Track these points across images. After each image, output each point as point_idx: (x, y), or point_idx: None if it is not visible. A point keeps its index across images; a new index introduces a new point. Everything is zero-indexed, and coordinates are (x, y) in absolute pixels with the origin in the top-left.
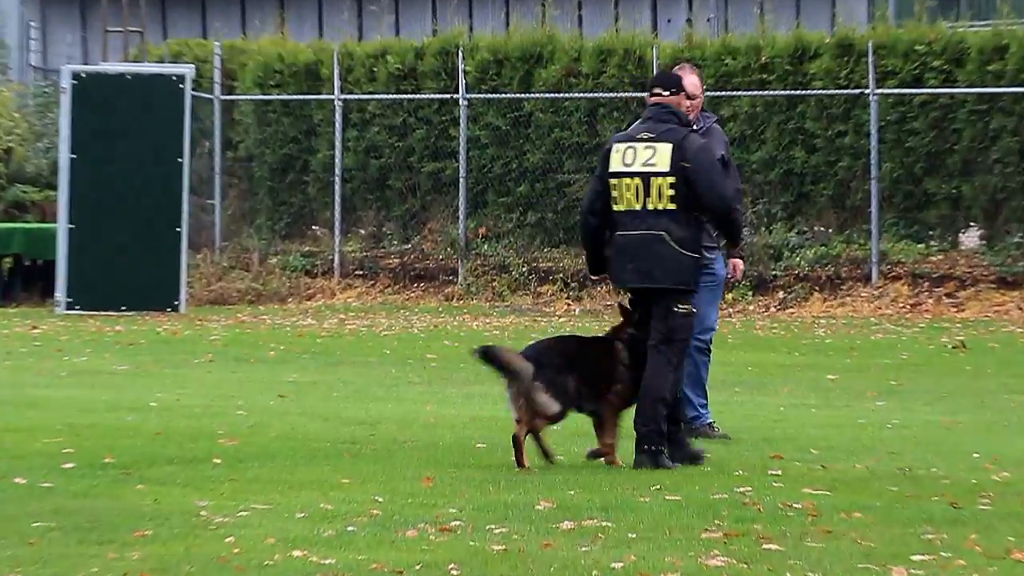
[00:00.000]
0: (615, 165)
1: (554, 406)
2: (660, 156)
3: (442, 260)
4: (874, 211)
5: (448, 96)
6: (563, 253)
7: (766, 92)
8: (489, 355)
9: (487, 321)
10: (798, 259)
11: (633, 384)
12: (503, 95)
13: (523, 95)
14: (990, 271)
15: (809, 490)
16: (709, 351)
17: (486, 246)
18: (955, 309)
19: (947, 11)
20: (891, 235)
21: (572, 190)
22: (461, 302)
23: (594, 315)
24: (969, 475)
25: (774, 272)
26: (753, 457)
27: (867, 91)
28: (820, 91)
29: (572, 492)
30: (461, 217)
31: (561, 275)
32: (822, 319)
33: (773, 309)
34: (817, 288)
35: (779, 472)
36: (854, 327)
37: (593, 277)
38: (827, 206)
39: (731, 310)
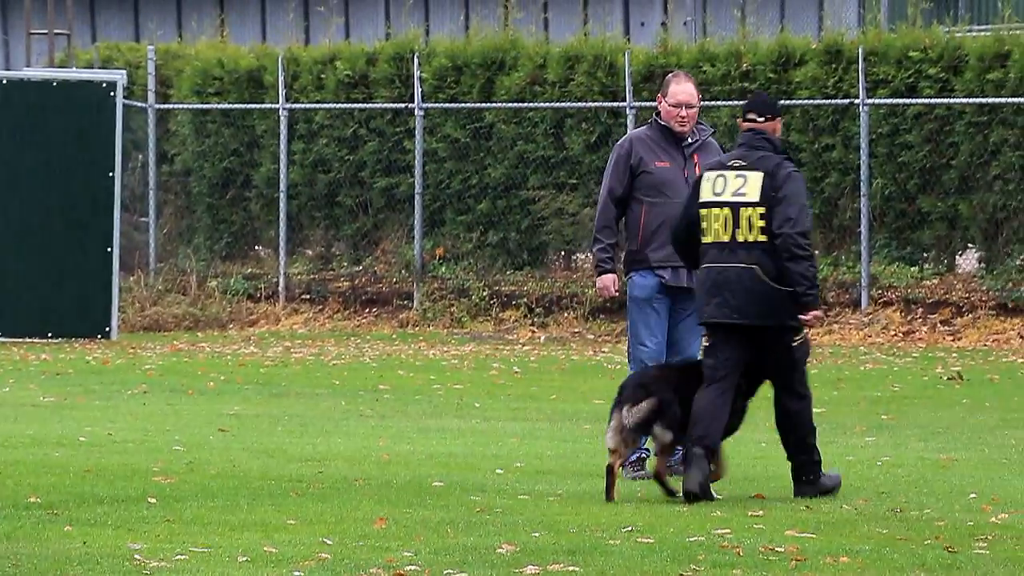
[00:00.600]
0: (705, 195)
1: (668, 436)
2: (751, 185)
3: (396, 283)
4: (864, 231)
5: (402, 105)
6: (527, 276)
7: (744, 103)
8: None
9: (445, 349)
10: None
11: (733, 412)
12: (462, 105)
13: (484, 105)
14: (989, 296)
15: (793, 532)
16: None
17: (444, 268)
18: (951, 337)
19: (944, 14)
20: (882, 257)
21: (537, 208)
22: (416, 329)
23: (560, 343)
24: (965, 517)
25: None
26: (732, 497)
27: (857, 101)
28: (806, 101)
29: (537, 534)
30: (416, 237)
31: (525, 300)
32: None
33: None
34: None
35: (760, 513)
36: (842, 356)
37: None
38: (813, 226)
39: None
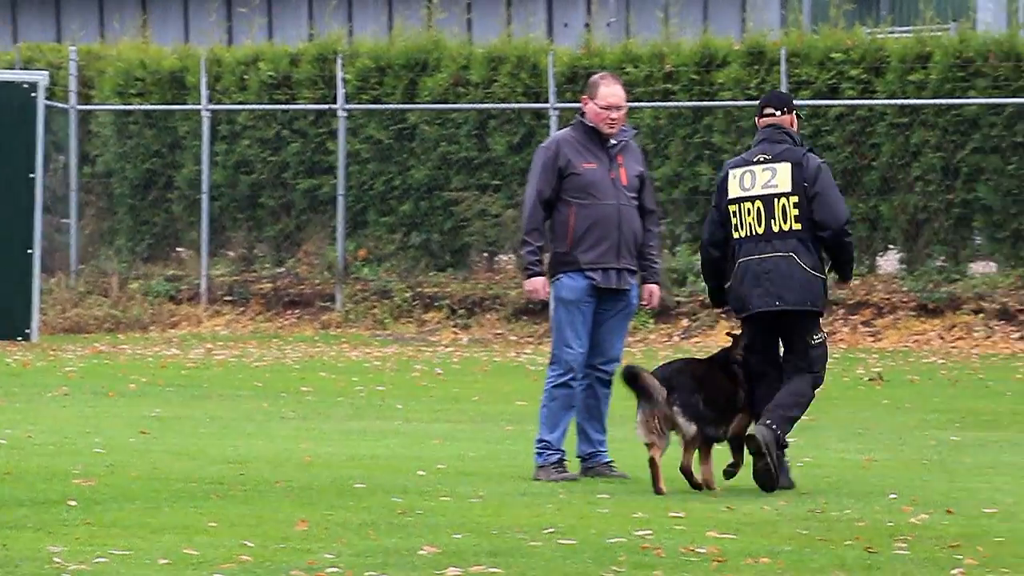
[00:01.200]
0: (733, 191)
1: (691, 428)
2: (781, 176)
3: (318, 285)
4: None
5: (326, 107)
6: (450, 277)
7: (670, 103)
8: (632, 378)
9: (367, 351)
10: (703, 284)
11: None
12: (385, 106)
13: (407, 106)
14: (910, 298)
15: (714, 533)
16: (611, 383)
17: (366, 270)
18: (872, 338)
19: (866, 16)
20: None
21: (460, 209)
22: (339, 330)
23: (483, 344)
24: (885, 517)
25: (678, 298)
26: (654, 498)
27: None
28: (729, 102)
29: (459, 536)
30: (339, 238)
31: (448, 301)
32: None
33: (677, 338)
34: (724, 316)
35: (682, 514)
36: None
37: (716, 309)
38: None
39: (631, 339)
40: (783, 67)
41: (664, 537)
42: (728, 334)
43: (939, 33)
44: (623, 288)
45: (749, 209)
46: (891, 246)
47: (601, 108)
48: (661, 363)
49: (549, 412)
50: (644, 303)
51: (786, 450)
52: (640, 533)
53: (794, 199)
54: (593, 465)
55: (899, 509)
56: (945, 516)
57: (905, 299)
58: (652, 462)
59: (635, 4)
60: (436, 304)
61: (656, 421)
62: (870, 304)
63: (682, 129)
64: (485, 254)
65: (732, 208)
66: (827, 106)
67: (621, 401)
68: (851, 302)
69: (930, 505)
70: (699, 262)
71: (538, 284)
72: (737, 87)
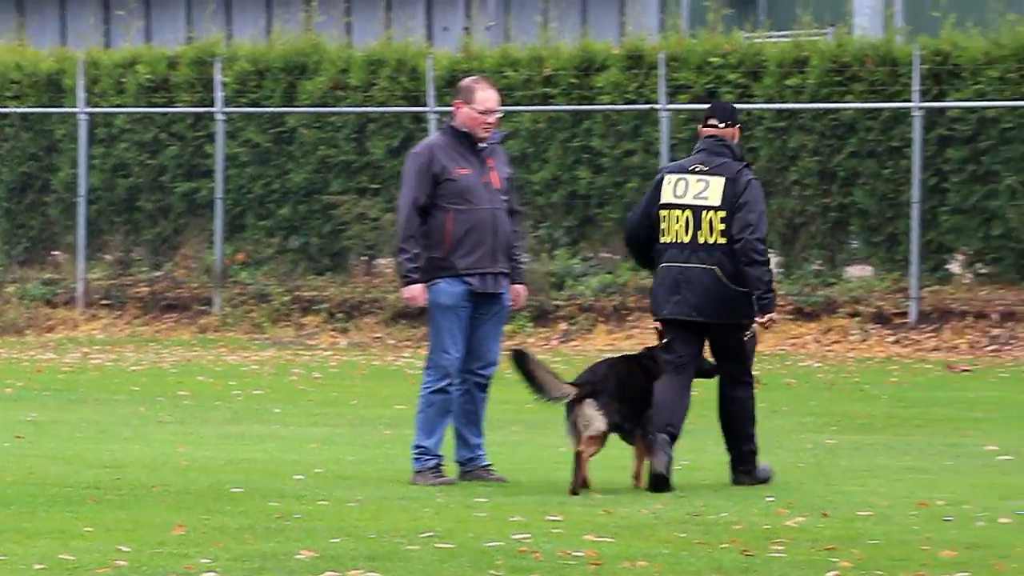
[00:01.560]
0: (666, 196)
1: (602, 424)
2: (712, 190)
3: (196, 289)
4: None
5: (204, 110)
6: (328, 281)
7: (549, 107)
8: (522, 361)
9: (245, 355)
10: (582, 288)
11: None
12: (264, 109)
13: (286, 109)
14: (786, 301)
15: (591, 537)
16: (488, 387)
17: (244, 273)
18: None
19: (744, 20)
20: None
21: (339, 212)
22: (217, 334)
23: (361, 348)
24: (761, 520)
25: (556, 302)
26: (532, 501)
27: (658, 106)
28: (607, 106)
29: (336, 540)
30: (217, 242)
31: (326, 305)
32: (607, 352)
33: (555, 341)
34: (602, 319)
35: (559, 517)
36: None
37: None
38: (614, 231)
39: (510, 343)
40: (662, 71)
41: (542, 541)
42: (657, 329)
43: (816, 38)
44: (498, 292)
45: (678, 217)
46: (768, 250)
47: (480, 112)
48: (588, 367)
49: (426, 417)
50: (511, 304)
51: (755, 456)
52: (518, 537)
53: (722, 214)
54: (472, 469)
55: (775, 512)
56: (821, 519)
57: (782, 303)
58: (578, 456)
59: (514, 8)
60: (314, 308)
61: (579, 423)
62: None
63: (561, 133)
64: (364, 258)
65: (663, 213)
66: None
67: (498, 405)
68: None
69: (806, 508)
70: (576, 266)
71: (416, 291)
72: (616, 91)
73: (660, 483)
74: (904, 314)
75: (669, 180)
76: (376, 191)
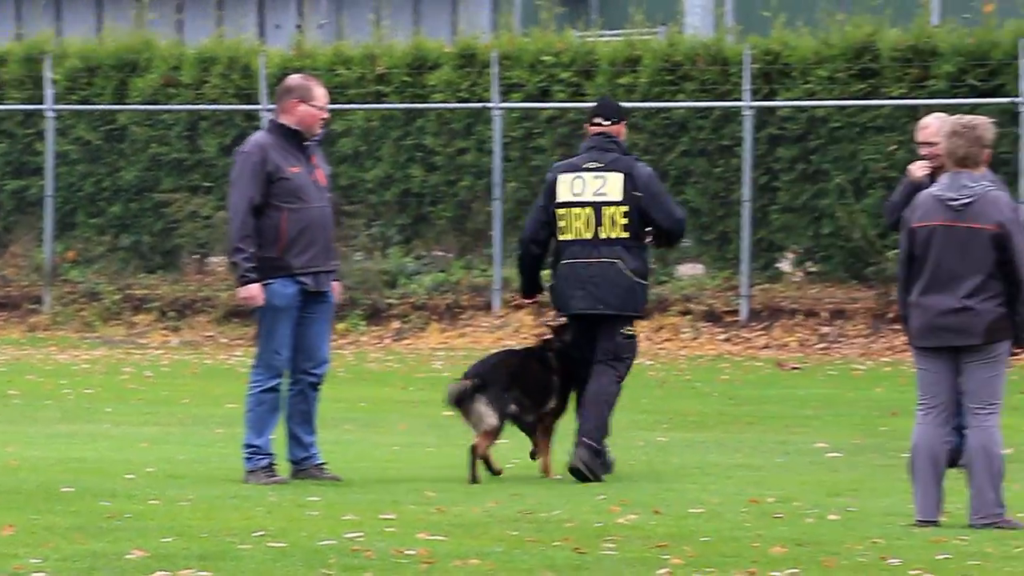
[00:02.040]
0: (563, 195)
1: (494, 420)
2: (611, 186)
3: (26, 287)
4: (497, 234)
5: (34, 107)
6: (160, 279)
7: (382, 105)
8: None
9: (75, 354)
10: (415, 286)
11: (563, 394)
12: (95, 107)
13: (117, 106)
14: None
15: (424, 535)
16: (320, 386)
17: (75, 271)
18: None
19: (576, 19)
20: (514, 260)
21: (171, 210)
22: (47, 333)
23: (193, 346)
24: (594, 518)
25: (389, 300)
26: (365, 500)
27: (490, 105)
28: (440, 104)
29: (168, 540)
30: (47, 240)
31: (158, 303)
32: (440, 351)
33: (388, 340)
34: (435, 317)
35: (392, 516)
36: (474, 359)
37: (526, 300)
38: (447, 229)
39: (343, 341)
40: (494, 69)
41: (375, 539)
42: (547, 325)
43: (648, 37)
44: (327, 290)
45: (578, 214)
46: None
47: (318, 109)
48: (479, 359)
49: (256, 416)
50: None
51: (606, 440)
52: (351, 535)
53: (623, 208)
54: (306, 467)
55: (608, 510)
56: (653, 516)
57: None
58: (473, 449)
59: (347, 6)
60: (146, 306)
61: (470, 420)
62: None
63: (394, 131)
64: (196, 256)
65: (561, 212)
66: (538, 109)
67: (331, 403)
68: None
69: (638, 505)
70: (409, 264)
71: (255, 291)
72: (449, 89)
73: (579, 476)
74: (735, 312)
75: (563, 179)
76: (208, 189)
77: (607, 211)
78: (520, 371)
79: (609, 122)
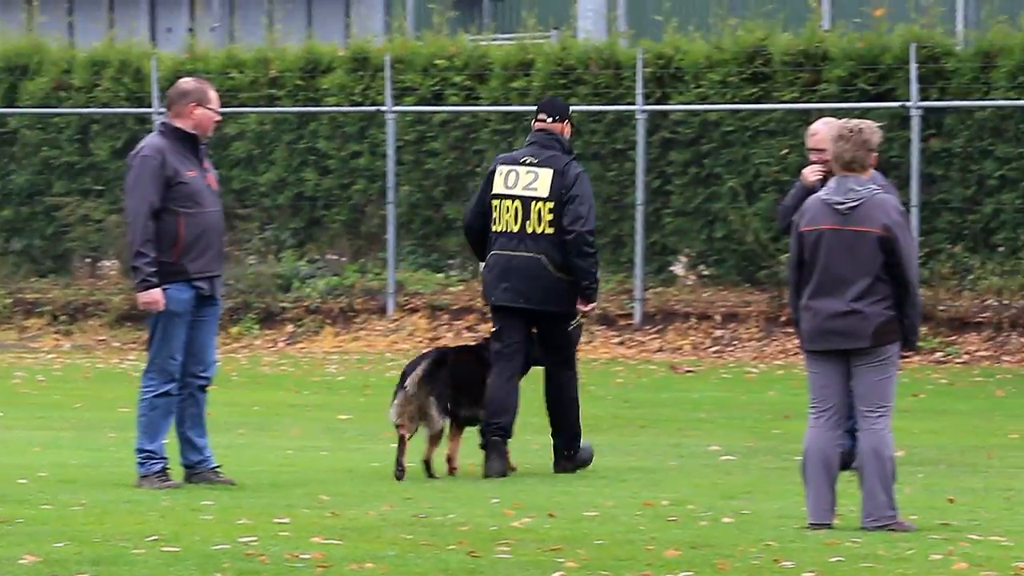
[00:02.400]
0: (497, 187)
1: (441, 421)
2: (541, 182)
3: None
4: (391, 238)
5: None
6: (52, 283)
7: (275, 109)
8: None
9: None
10: (309, 290)
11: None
12: None
13: (7, 110)
14: None
15: (319, 539)
16: (208, 388)
17: None
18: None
19: (469, 23)
20: (408, 264)
21: (62, 214)
22: None
23: (86, 350)
24: (488, 521)
25: (283, 304)
26: (259, 504)
27: (384, 108)
28: (334, 108)
29: (60, 544)
30: None
31: (50, 307)
32: (334, 354)
33: (282, 344)
34: (329, 321)
35: (287, 520)
36: (368, 363)
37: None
38: (340, 232)
39: (236, 345)
40: (387, 73)
41: (269, 543)
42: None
43: (541, 41)
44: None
45: (508, 207)
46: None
47: (215, 111)
48: (419, 353)
49: (149, 421)
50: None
51: (578, 440)
52: (245, 540)
53: (550, 205)
54: (201, 471)
55: (502, 513)
56: (547, 520)
57: None
58: (402, 440)
59: (239, 9)
60: (38, 310)
61: (411, 408)
62: (474, 309)
63: (287, 134)
64: (88, 260)
65: (494, 203)
66: (431, 112)
67: (224, 407)
68: (455, 307)
69: (532, 509)
70: (303, 268)
71: (157, 295)
72: (342, 93)
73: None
74: (629, 315)
75: (501, 171)
76: (100, 192)
77: (535, 206)
78: (458, 367)
79: (551, 119)
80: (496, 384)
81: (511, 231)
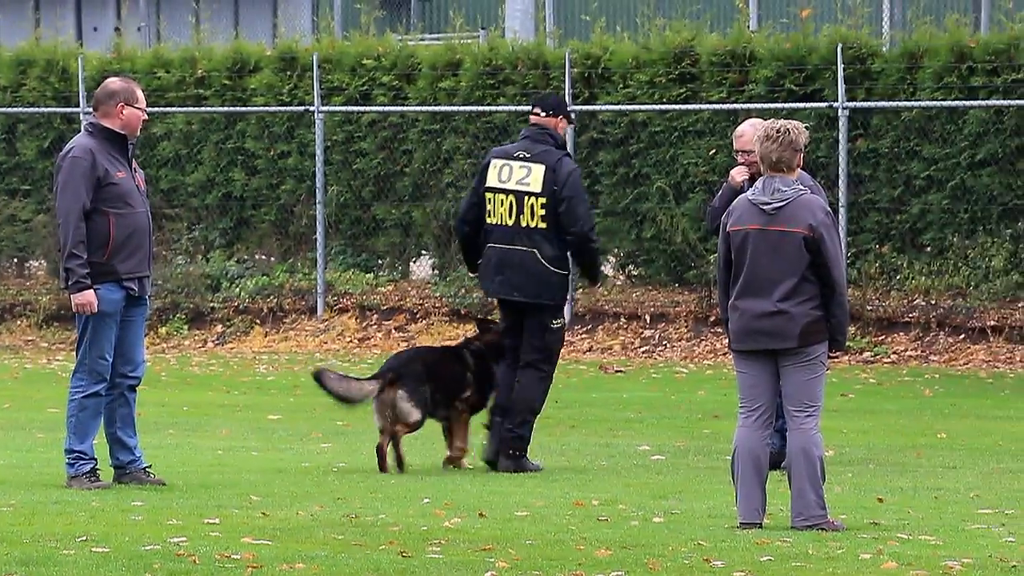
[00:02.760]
0: (491, 180)
1: (415, 414)
2: (534, 177)
3: None
4: (320, 238)
5: None
6: None
7: (203, 108)
8: (320, 381)
9: None
10: (238, 290)
11: (480, 391)
12: None
13: None
14: (442, 303)
15: (249, 540)
16: (137, 388)
17: None
18: (406, 343)
19: (397, 23)
20: (338, 264)
21: None
22: None
23: (13, 351)
24: (419, 521)
25: (212, 304)
26: (189, 505)
27: (312, 108)
28: (261, 108)
29: None
30: None
31: None
32: (264, 355)
33: (211, 344)
34: (258, 321)
35: (217, 521)
36: (298, 363)
37: (472, 274)
38: (269, 233)
39: (165, 345)
40: (315, 73)
41: (199, 544)
42: (481, 320)
43: (469, 41)
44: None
45: (502, 200)
46: (424, 252)
47: (142, 111)
48: (394, 353)
49: (79, 422)
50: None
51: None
52: (175, 540)
53: (542, 200)
54: (131, 471)
55: (433, 513)
56: (478, 519)
57: (438, 304)
58: (379, 449)
59: (165, 9)
60: None
61: (387, 409)
62: (404, 309)
63: (215, 135)
64: (15, 260)
65: (488, 195)
66: (359, 112)
67: (154, 408)
68: (385, 307)
69: (463, 508)
70: (231, 268)
71: (91, 297)
72: (270, 93)
73: (490, 467)
74: None
75: (495, 164)
76: (27, 192)
77: (528, 201)
78: (437, 366)
79: (545, 114)
80: (504, 376)
81: (506, 224)
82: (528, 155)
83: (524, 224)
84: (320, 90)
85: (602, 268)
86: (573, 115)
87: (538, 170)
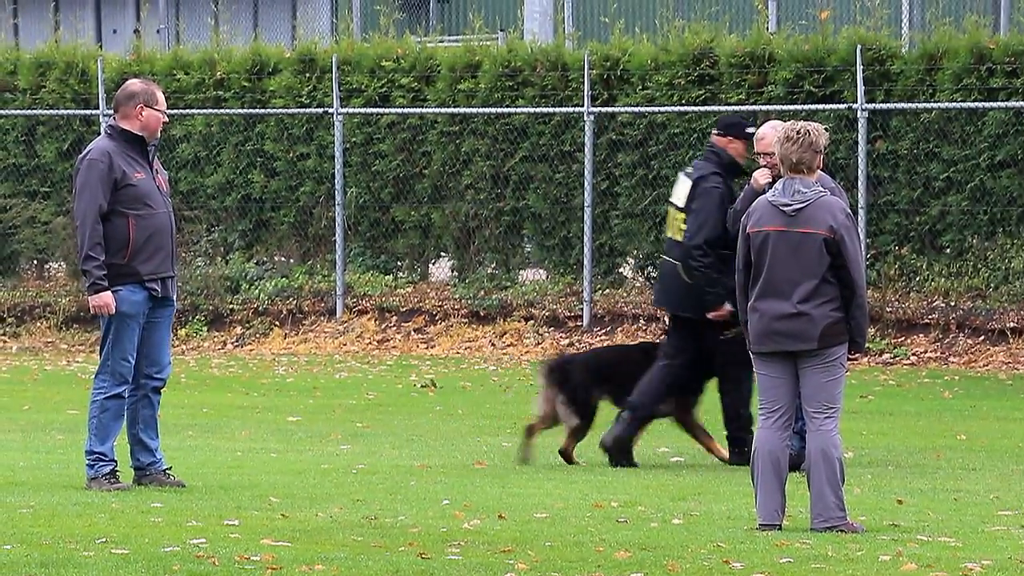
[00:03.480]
0: (672, 195)
1: (574, 420)
2: (680, 191)
3: None
4: (339, 240)
5: None
6: None
7: (222, 110)
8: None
9: None
10: (257, 292)
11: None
12: None
13: None
14: (461, 305)
15: (268, 541)
16: (162, 391)
17: None
18: (425, 345)
19: (416, 25)
20: (357, 266)
21: (8, 216)
22: None
23: (33, 352)
24: (438, 523)
25: (231, 306)
26: (208, 506)
27: (331, 110)
28: (280, 110)
29: (9, 547)
30: None
31: None
32: (283, 357)
33: (230, 346)
34: (277, 323)
35: (236, 522)
36: (317, 365)
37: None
38: (288, 234)
39: (185, 347)
40: (335, 75)
41: (219, 546)
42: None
43: (488, 43)
44: (172, 295)
45: (669, 214)
46: (443, 254)
47: (162, 113)
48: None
49: (100, 424)
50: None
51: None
52: (195, 542)
53: (682, 215)
54: (151, 472)
55: (452, 515)
56: (497, 521)
57: (457, 306)
58: (530, 429)
59: (185, 10)
60: None
61: (547, 405)
62: (423, 311)
63: (234, 136)
64: (35, 261)
65: (668, 209)
66: (378, 114)
67: (174, 409)
68: (404, 309)
69: (483, 510)
70: (251, 269)
71: (108, 299)
72: (289, 95)
73: (606, 451)
74: (578, 317)
75: (678, 179)
76: (47, 194)
77: (673, 213)
78: (615, 371)
79: (717, 133)
80: (651, 371)
81: (668, 237)
82: (689, 171)
83: (672, 237)
84: (339, 92)
85: (717, 292)
86: (750, 131)
87: (686, 185)
